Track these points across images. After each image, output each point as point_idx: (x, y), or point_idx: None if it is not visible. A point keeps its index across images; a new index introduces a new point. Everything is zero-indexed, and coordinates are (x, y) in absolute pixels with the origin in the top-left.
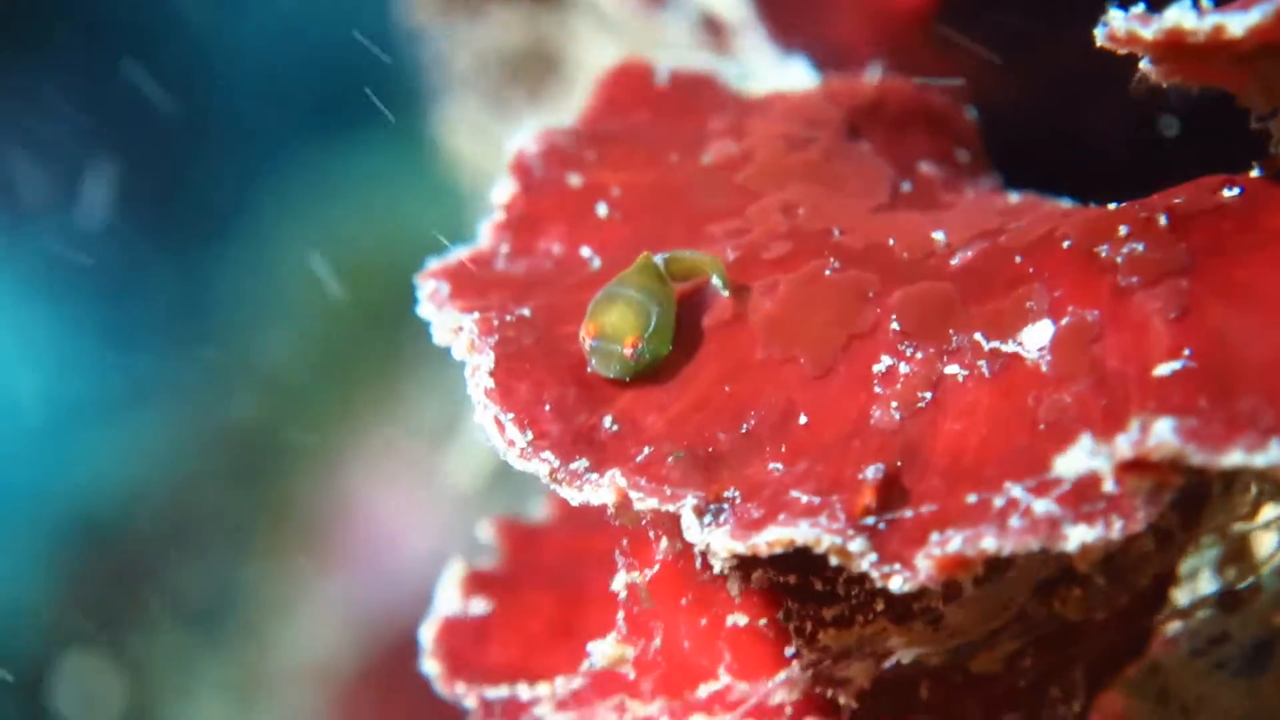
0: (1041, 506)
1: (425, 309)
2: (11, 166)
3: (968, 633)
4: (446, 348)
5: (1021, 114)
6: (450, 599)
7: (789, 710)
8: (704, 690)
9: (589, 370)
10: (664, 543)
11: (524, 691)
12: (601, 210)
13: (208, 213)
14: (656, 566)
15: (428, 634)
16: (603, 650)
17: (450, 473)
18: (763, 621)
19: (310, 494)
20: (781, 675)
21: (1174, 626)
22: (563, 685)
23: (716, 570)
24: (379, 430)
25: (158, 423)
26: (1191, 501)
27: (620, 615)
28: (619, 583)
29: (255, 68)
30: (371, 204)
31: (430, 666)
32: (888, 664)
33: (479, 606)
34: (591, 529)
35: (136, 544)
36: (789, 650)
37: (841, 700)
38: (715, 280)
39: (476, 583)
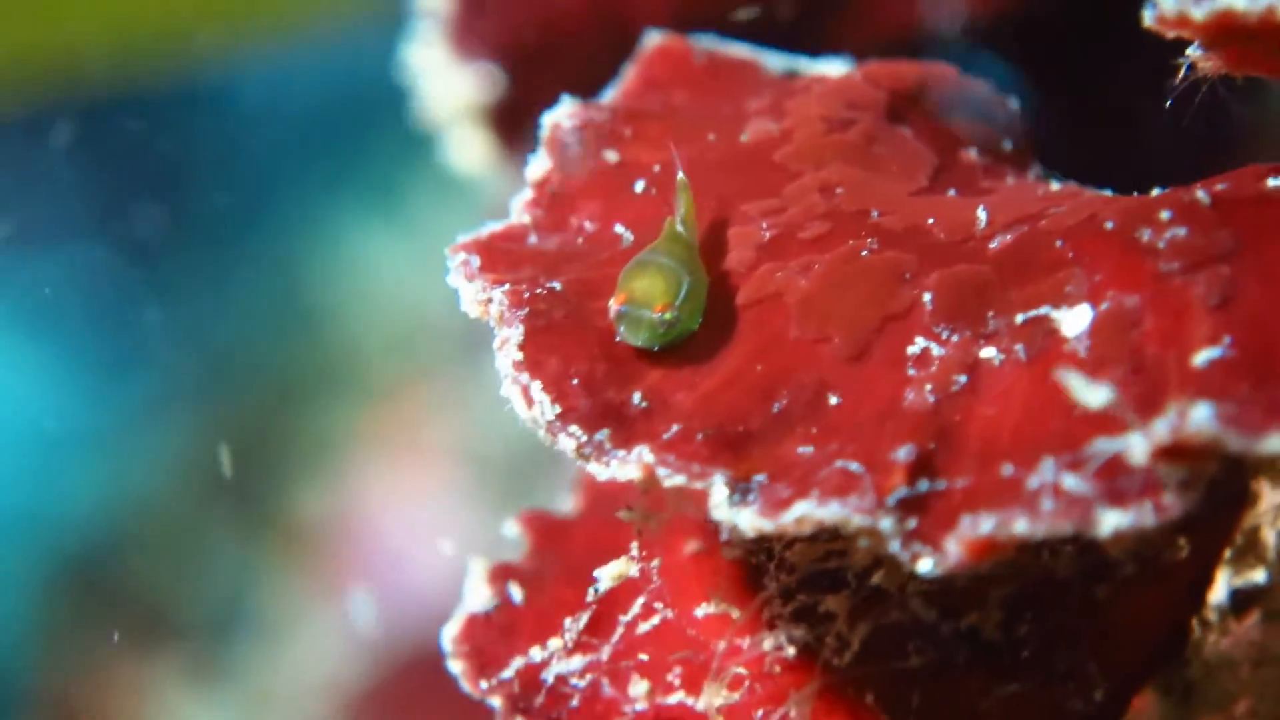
0: (1075, 492)
1: (454, 279)
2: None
3: None
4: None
5: None
6: (475, 595)
7: (773, 649)
8: (700, 612)
9: (617, 339)
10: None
11: (537, 653)
12: (636, 187)
13: (213, 230)
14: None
15: (451, 632)
16: (609, 571)
17: None
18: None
19: (319, 510)
20: (758, 604)
21: (1203, 626)
22: (570, 625)
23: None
24: (391, 445)
25: (159, 442)
26: (1228, 500)
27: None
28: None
29: (265, 95)
30: (387, 225)
31: (455, 665)
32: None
33: (504, 601)
34: (619, 520)
35: (141, 564)
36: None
37: (828, 642)
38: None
39: (501, 577)
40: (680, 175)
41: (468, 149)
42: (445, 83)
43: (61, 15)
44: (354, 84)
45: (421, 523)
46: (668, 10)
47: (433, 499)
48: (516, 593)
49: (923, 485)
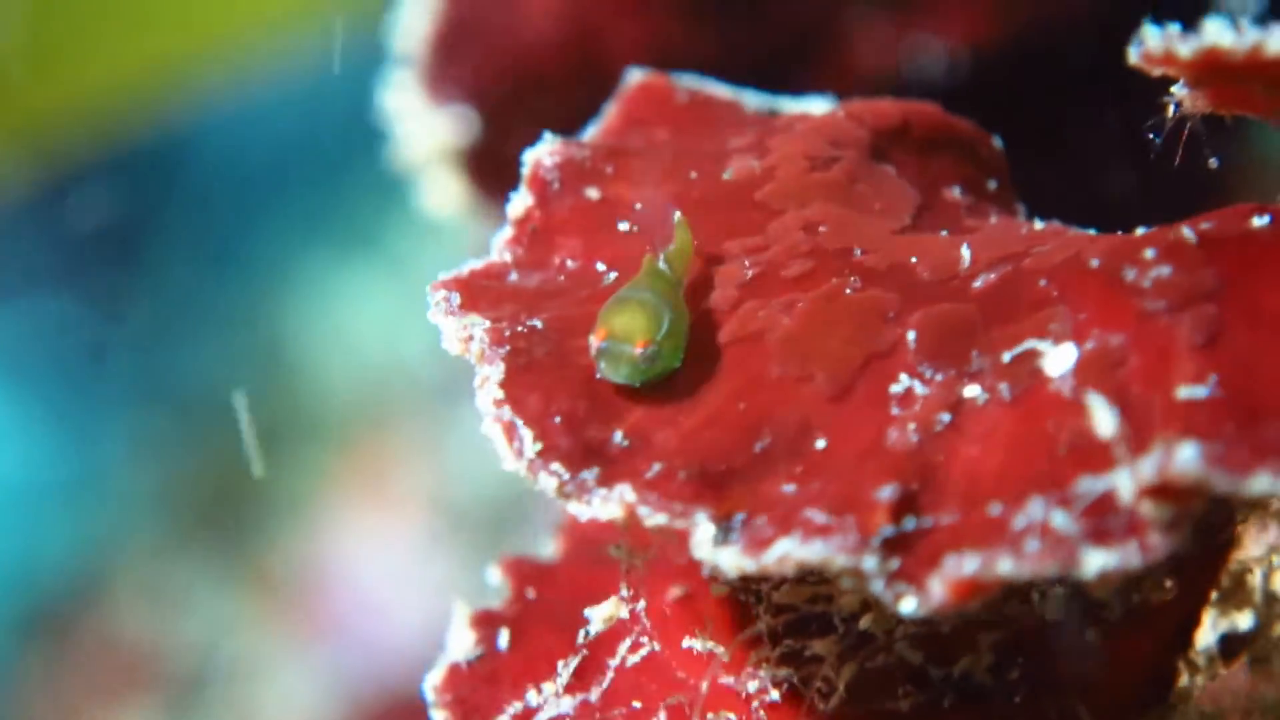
0: (1060, 532)
1: (435, 316)
2: None
3: None
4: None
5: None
6: (458, 642)
7: (759, 691)
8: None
9: (598, 376)
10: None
11: (533, 698)
12: (618, 225)
13: (186, 278)
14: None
15: (433, 680)
16: (600, 613)
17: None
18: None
19: (294, 557)
20: (741, 643)
21: (1191, 671)
22: (563, 669)
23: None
24: (365, 492)
25: (133, 491)
26: (1214, 541)
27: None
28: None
29: (238, 141)
30: (361, 270)
31: (437, 716)
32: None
33: (488, 648)
34: (601, 565)
35: (115, 612)
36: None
37: (816, 685)
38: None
39: (485, 624)
40: (678, 214)
41: (443, 192)
42: (420, 126)
43: (35, 87)
44: (328, 129)
45: (395, 569)
46: (642, 52)
47: (407, 546)
48: (500, 639)
49: (907, 525)
